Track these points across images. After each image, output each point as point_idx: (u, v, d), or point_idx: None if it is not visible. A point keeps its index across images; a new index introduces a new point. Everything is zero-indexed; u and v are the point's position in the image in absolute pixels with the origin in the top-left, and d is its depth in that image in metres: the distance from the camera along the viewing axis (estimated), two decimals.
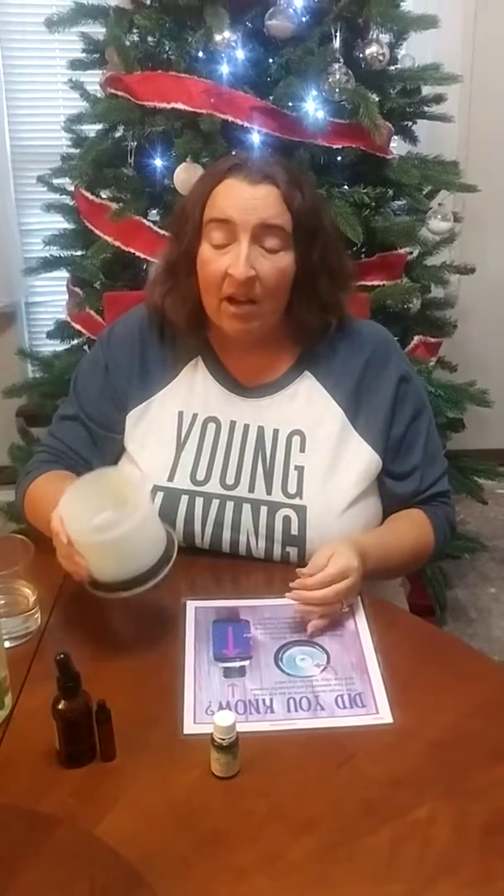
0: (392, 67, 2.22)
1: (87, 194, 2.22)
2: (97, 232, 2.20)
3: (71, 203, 2.39)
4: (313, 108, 1.99)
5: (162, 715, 1.11)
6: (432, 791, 1.00)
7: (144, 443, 1.46)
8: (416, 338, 2.32)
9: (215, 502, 1.41)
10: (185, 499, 1.41)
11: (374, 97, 2.08)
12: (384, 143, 2.14)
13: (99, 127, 2.28)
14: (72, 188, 2.35)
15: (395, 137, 2.31)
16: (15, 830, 0.95)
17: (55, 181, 2.45)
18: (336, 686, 1.16)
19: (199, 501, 1.41)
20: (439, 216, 2.29)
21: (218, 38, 1.95)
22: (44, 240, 2.40)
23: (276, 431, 1.44)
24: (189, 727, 1.09)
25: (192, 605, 1.31)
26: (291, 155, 2.02)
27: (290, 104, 2.00)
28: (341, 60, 1.98)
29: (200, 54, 2.05)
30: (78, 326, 2.34)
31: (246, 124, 2.00)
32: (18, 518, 2.28)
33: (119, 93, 2.13)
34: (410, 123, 2.39)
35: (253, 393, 1.46)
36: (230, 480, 1.42)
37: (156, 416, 1.47)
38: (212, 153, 2.00)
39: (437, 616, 2.53)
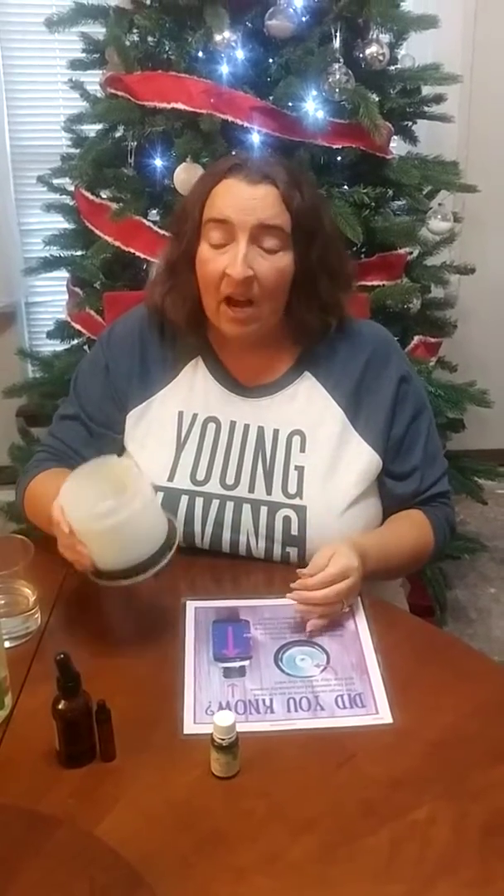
0: (392, 67, 2.22)
1: (87, 194, 2.22)
2: (97, 232, 2.20)
3: (71, 203, 2.39)
4: (313, 108, 1.99)
5: (162, 715, 1.11)
6: (432, 791, 1.00)
7: (144, 443, 1.46)
8: (416, 338, 2.32)
9: (215, 502, 1.41)
10: (184, 499, 1.41)
11: (374, 97, 2.08)
12: (384, 143, 2.14)
13: (99, 127, 2.28)
14: (72, 188, 2.35)
15: (395, 137, 2.31)
16: (15, 831, 0.95)
17: (55, 181, 2.45)
18: (336, 686, 1.16)
19: (199, 501, 1.41)
20: (439, 216, 2.29)
21: (218, 38, 1.95)
22: (44, 240, 2.40)
23: (276, 431, 1.44)
24: (189, 727, 1.09)
25: (191, 605, 1.31)
26: (291, 155, 2.02)
27: (290, 104, 2.00)
28: (341, 60, 1.98)
29: (200, 54, 2.05)
30: (78, 326, 2.34)
31: (246, 124, 2.00)
32: (19, 518, 2.28)
33: (119, 93, 2.13)
34: (410, 123, 2.39)
35: (253, 393, 1.46)
36: (230, 480, 1.42)
37: (156, 416, 1.48)
38: (212, 153, 2.00)
39: (437, 616, 2.53)
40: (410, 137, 2.42)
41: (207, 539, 1.42)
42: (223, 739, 1.00)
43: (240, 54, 1.99)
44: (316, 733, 1.09)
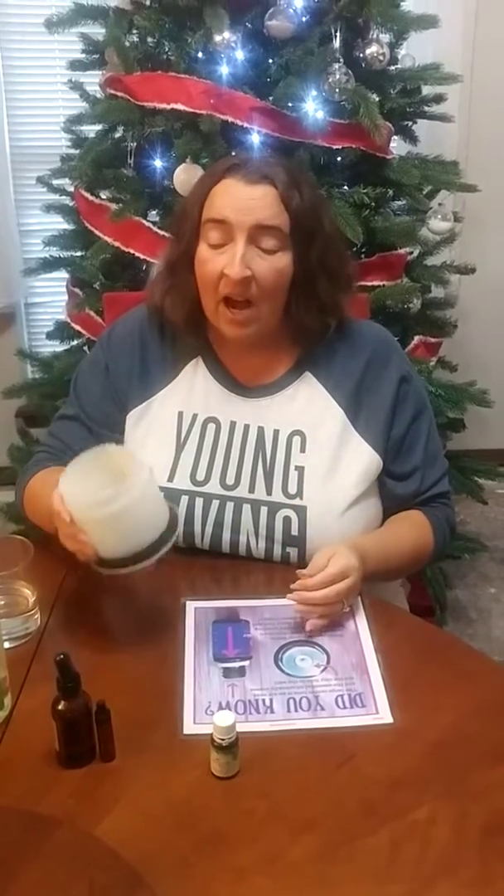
0: (392, 67, 2.22)
1: (87, 195, 2.22)
2: (97, 233, 2.20)
3: (70, 204, 2.39)
4: (313, 108, 1.99)
5: (162, 715, 1.11)
6: (432, 791, 1.00)
7: (144, 443, 1.46)
8: (417, 338, 2.32)
9: (215, 503, 1.41)
10: (184, 499, 1.41)
11: (374, 97, 2.08)
12: (384, 144, 2.14)
13: (98, 127, 2.28)
14: (71, 189, 2.35)
15: (395, 137, 2.31)
16: (14, 831, 0.95)
17: (55, 182, 2.45)
18: (336, 686, 1.16)
19: (199, 502, 1.41)
20: (439, 216, 2.29)
21: (218, 38, 1.95)
22: (43, 240, 2.40)
23: (276, 432, 1.44)
24: (189, 727, 1.09)
25: (191, 606, 1.31)
26: (291, 155, 2.02)
27: (290, 104, 2.00)
28: (341, 60, 1.98)
29: (200, 55, 2.05)
30: (77, 327, 2.34)
31: (246, 125, 2.00)
32: (18, 519, 2.28)
33: (119, 93, 2.13)
34: (410, 123, 2.39)
35: (253, 393, 1.46)
36: (230, 481, 1.42)
37: (156, 417, 1.47)
38: (211, 154, 2.00)
39: (437, 616, 2.53)
40: (410, 137, 2.42)
41: (207, 539, 1.42)
42: (223, 739, 1.00)
43: (239, 55, 1.99)
44: (316, 733, 1.09)
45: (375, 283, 2.17)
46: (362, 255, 2.18)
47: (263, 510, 1.40)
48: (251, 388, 1.46)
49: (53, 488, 1.25)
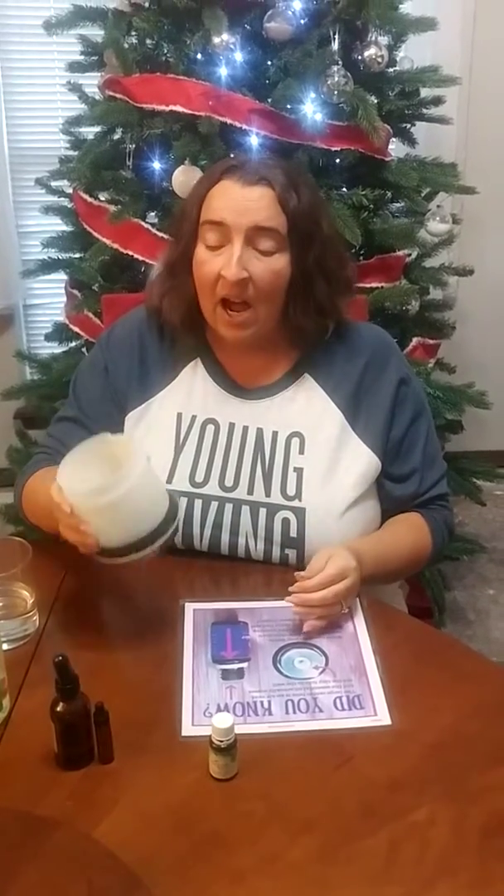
0: (391, 69, 2.22)
1: (86, 196, 2.22)
2: (95, 234, 2.20)
3: (69, 205, 2.39)
4: (312, 110, 1.99)
5: (160, 717, 1.11)
6: (431, 793, 1.00)
7: (143, 444, 1.46)
8: (415, 339, 2.32)
9: (214, 504, 1.41)
10: (183, 501, 1.41)
11: (373, 99, 2.07)
12: (383, 146, 2.14)
13: (97, 129, 2.28)
14: (70, 190, 2.35)
15: (394, 139, 2.30)
16: (13, 833, 0.95)
17: (53, 183, 2.45)
18: (334, 688, 1.16)
19: (197, 503, 1.41)
20: (438, 218, 2.29)
21: (216, 40, 1.95)
22: (42, 242, 2.40)
23: (275, 433, 1.44)
24: (187, 729, 1.09)
25: (190, 607, 1.31)
26: (290, 157, 2.02)
27: (289, 106, 2.00)
28: (340, 62, 1.98)
29: (199, 57, 2.05)
30: (76, 329, 2.34)
31: (244, 127, 2.00)
32: (17, 520, 2.28)
33: (117, 95, 2.13)
34: (409, 125, 2.40)
35: (252, 395, 1.46)
36: (229, 482, 1.42)
37: (155, 418, 1.47)
38: (210, 156, 2.00)
39: (435, 618, 2.53)
40: (409, 139, 2.42)
41: (206, 541, 1.42)
42: (221, 741, 1.00)
43: (238, 57, 1.99)
44: (314, 735, 1.09)
45: (374, 284, 2.18)
46: (361, 257, 2.18)
47: (262, 512, 1.40)
48: (250, 390, 1.46)
49: (52, 484, 1.24)
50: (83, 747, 1.03)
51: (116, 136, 2.24)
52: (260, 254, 1.34)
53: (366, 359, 1.46)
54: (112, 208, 2.15)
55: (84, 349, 2.39)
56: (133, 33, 2.16)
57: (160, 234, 2.07)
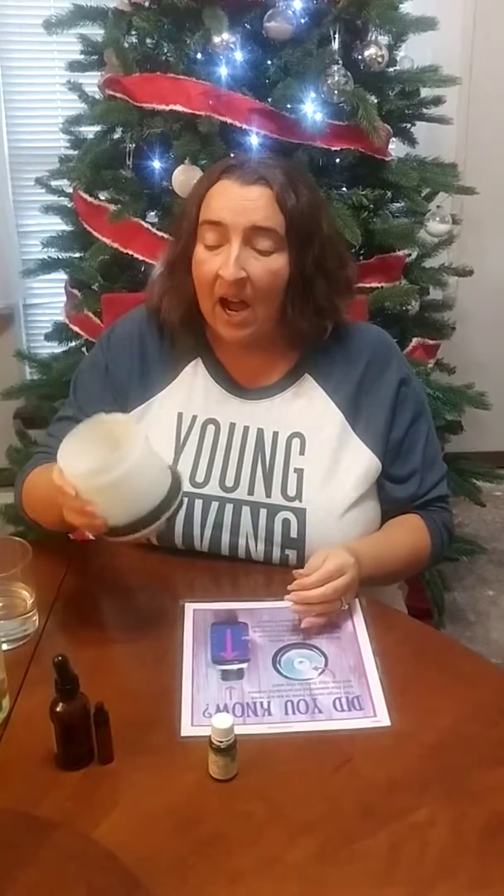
0: (391, 69, 2.23)
1: (86, 196, 2.22)
2: (95, 234, 2.20)
3: (69, 205, 2.39)
4: (312, 109, 1.99)
5: (160, 717, 1.10)
6: (431, 794, 1.00)
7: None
8: (415, 340, 2.32)
9: (214, 504, 1.41)
10: (184, 501, 1.40)
11: (373, 99, 2.08)
12: (383, 145, 2.14)
13: (97, 129, 2.28)
14: (70, 190, 2.35)
15: (394, 139, 2.31)
16: (12, 834, 0.95)
17: (53, 183, 2.45)
18: (334, 689, 1.16)
19: (198, 504, 1.41)
20: (438, 218, 2.29)
21: (216, 39, 1.95)
22: (42, 241, 2.40)
23: (275, 434, 1.44)
24: (187, 730, 1.09)
25: (190, 608, 1.31)
26: (290, 157, 2.02)
27: (289, 106, 2.00)
28: (340, 62, 1.98)
29: (199, 56, 2.05)
30: (76, 328, 2.34)
31: (244, 126, 2.00)
32: (17, 520, 2.28)
33: (117, 94, 2.13)
34: (409, 125, 2.40)
35: (253, 395, 1.46)
36: (229, 482, 1.42)
37: (155, 418, 1.47)
38: (210, 155, 2.00)
39: (435, 619, 2.53)
40: (409, 139, 2.42)
41: (206, 541, 1.42)
42: (221, 742, 1.00)
43: (238, 56, 1.99)
44: (314, 736, 1.09)
45: (374, 284, 2.18)
46: (361, 257, 2.18)
47: (262, 512, 1.40)
48: (251, 390, 1.46)
49: (53, 472, 1.24)
50: (83, 748, 1.03)
51: (116, 136, 2.24)
52: (258, 253, 1.34)
53: (366, 359, 1.46)
54: (112, 208, 2.14)
55: (84, 349, 2.39)
56: (133, 33, 2.16)
57: (160, 234, 2.07)
